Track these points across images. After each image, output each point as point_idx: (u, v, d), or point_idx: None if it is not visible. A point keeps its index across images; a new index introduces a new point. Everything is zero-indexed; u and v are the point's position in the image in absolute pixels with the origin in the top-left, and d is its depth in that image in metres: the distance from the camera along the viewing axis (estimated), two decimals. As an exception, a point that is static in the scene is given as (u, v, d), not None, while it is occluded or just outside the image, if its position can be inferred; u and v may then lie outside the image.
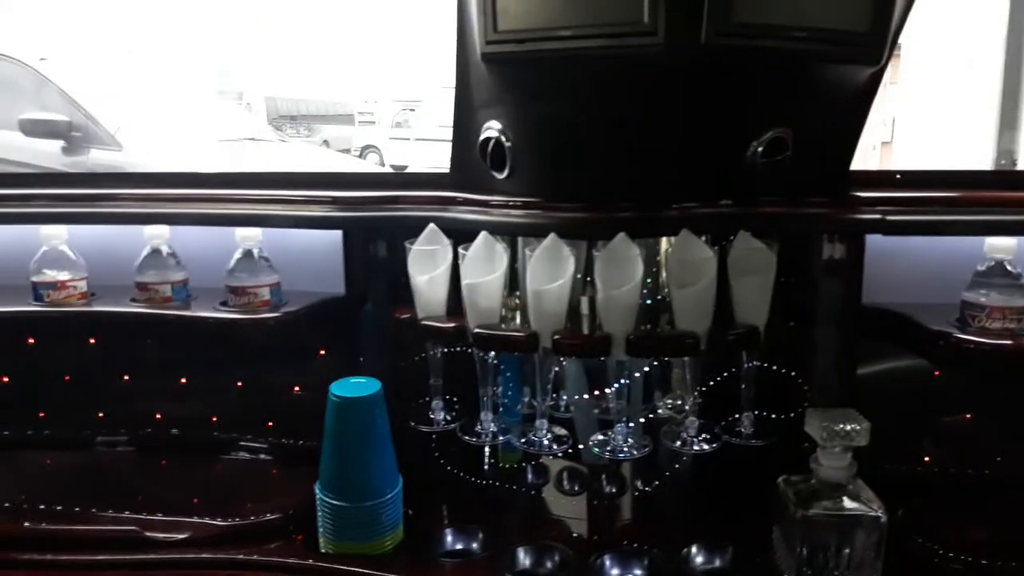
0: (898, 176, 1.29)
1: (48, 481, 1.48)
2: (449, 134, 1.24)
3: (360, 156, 11.55)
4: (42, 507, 1.34)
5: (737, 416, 1.24)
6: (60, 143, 4.67)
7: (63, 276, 1.35)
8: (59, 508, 1.33)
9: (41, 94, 4.86)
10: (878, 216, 1.18)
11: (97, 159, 4.67)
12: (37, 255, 1.36)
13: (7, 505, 1.35)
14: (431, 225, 1.22)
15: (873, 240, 1.22)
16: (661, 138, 1.10)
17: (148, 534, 1.24)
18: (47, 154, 4.63)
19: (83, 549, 1.24)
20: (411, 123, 10.87)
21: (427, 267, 1.21)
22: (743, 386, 1.22)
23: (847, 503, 1.10)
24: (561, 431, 1.26)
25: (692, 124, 1.10)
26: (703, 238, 1.14)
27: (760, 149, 1.11)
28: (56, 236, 1.35)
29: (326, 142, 11.37)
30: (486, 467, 1.40)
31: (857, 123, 1.17)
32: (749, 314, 1.17)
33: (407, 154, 9.49)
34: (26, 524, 1.30)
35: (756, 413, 1.23)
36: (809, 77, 1.09)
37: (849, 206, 1.20)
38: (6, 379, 1.54)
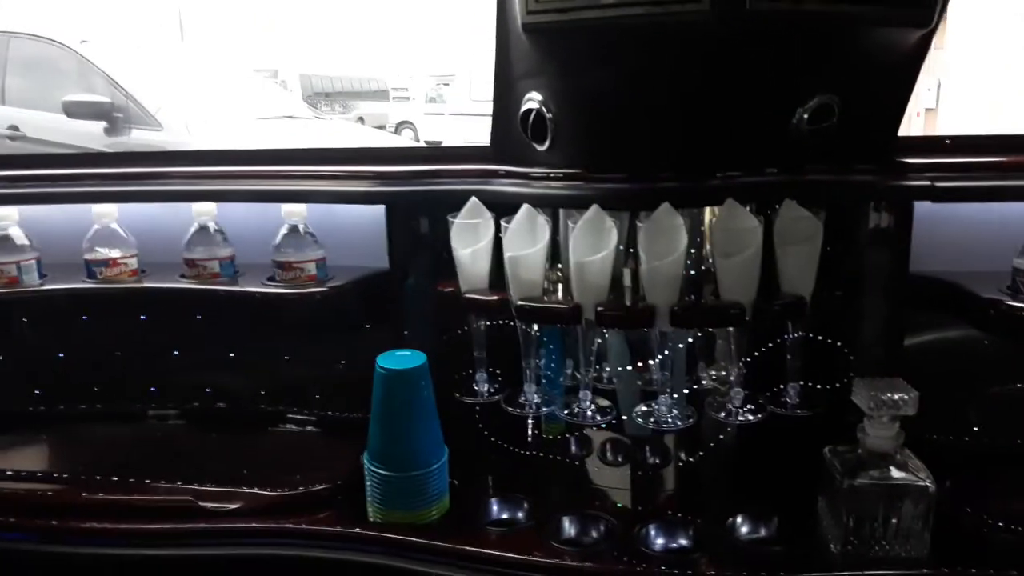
0: (947, 142, 1.26)
1: (103, 453, 1.53)
2: (484, 108, 1.23)
3: (395, 132, 11.57)
4: (98, 478, 1.39)
5: (782, 386, 1.23)
6: (102, 124, 4.74)
7: (114, 254, 1.38)
8: (114, 479, 1.37)
9: (83, 76, 4.93)
10: (927, 183, 1.16)
11: (138, 139, 4.73)
12: (89, 233, 1.39)
13: (65, 475, 1.40)
14: (473, 198, 1.22)
15: (921, 207, 1.20)
16: (705, 106, 1.09)
17: (202, 504, 1.28)
18: (89, 135, 4.70)
19: (139, 518, 1.27)
20: (445, 98, 10.85)
21: (469, 240, 1.22)
22: (788, 356, 1.21)
23: (894, 473, 1.09)
24: (604, 402, 1.26)
25: (736, 92, 1.08)
26: (748, 207, 1.13)
27: (806, 116, 1.09)
28: (107, 215, 1.38)
29: (361, 119, 11.37)
30: (529, 438, 1.41)
31: (906, 88, 1.15)
32: (795, 284, 1.16)
33: (442, 129, 9.49)
34: (84, 494, 1.34)
35: (801, 383, 1.23)
36: (857, 41, 1.07)
37: (897, 173, 1.18)
38: (61, 354, 1.58)
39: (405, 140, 10.60)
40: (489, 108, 1.23)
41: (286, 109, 5.67)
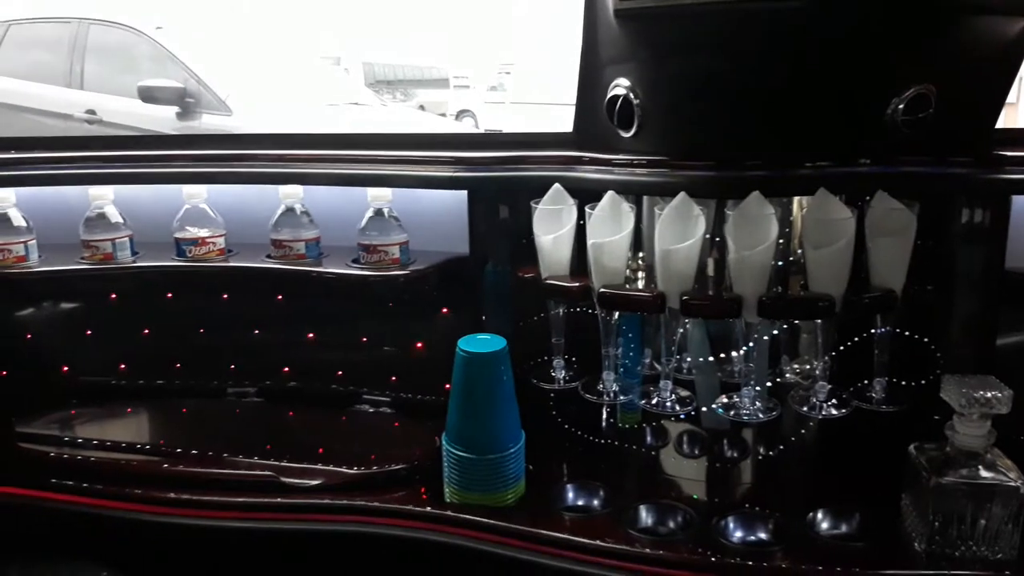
0: None
1: (184, 428, 1.58)
2: (545, 97, 1.23)
3: (455, 120, 11.61)
4: (179, 450, 1.44)
5: (867, 382, 1.21)
6: (175, 109, 4.86)
7: (203, 233, 1.42)
8: (194, 452, 1.42)
9: (157, 62, 5.06)
10: None
11: (208, 124, 4.84)
12: (180, 213, 1.43)
13: (147, 447, 1.45)
14: (556, 184, 1.22)
15: (1019, 201, 1.16)
16: (797, 94, 1.07)
17: (283, 479, 1.31)
18: (162, 120, 4.82)
19: (222, 491, 1.31)
20: (506, 86, 10.84)
21: (552, 226, 1.22)
22: (876, 351, 1.18)
23: (983, 472, 1.07)
24: (684, 392, 1.26)
25: (829, 80, 1.06)
26: (839, 198, 1.11)
27: (901, 107, 1.06)
28: (197, 195, 1.42)
29: (422, 106, 11.44)
30: (605, 427, 1.41)
31: (1006, 79, 1.11)
32: (886, 277, 1.13)
33: (502, 118, 9.49)
34: (164, 465, 1.39)
35: (888, 379, 1.20)
36: (957, 30, 1.04)
37: (994, 165, 1.14)
38: (147, 331, 1.63)
39: (467, 128, 10.63)
40: (550, 98, 1.23)
41: (351, 96, 5.74)
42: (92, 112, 5.00)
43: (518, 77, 10.18)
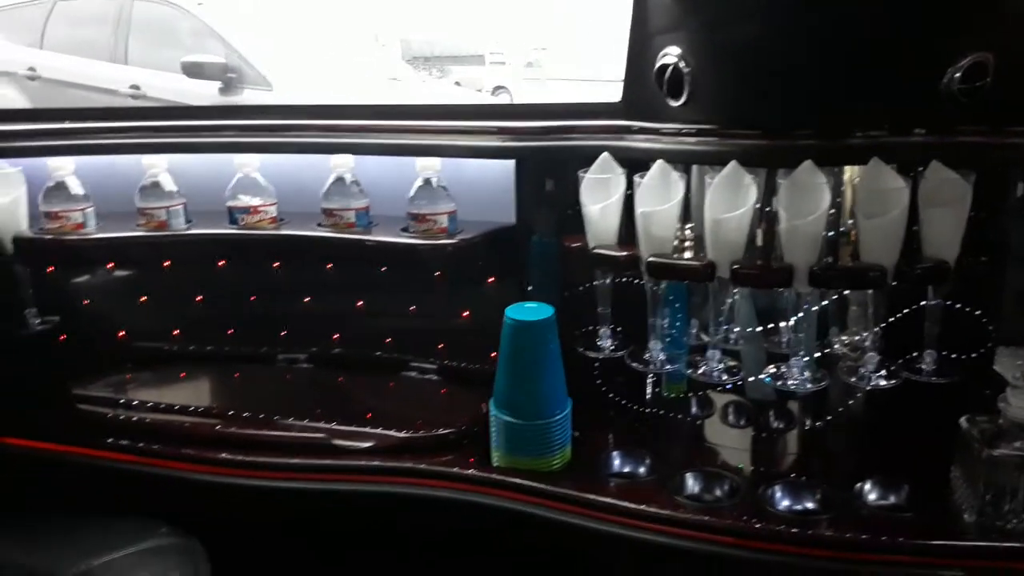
0: None
1: (237, 392, 1.63)
2: (582, 73, 1.23)
3: (492, 96, 11.56)
4: (231, 413, 1.47)
5: (917, 354, 1.20)
6: (217, 84, 4.92)
7: (255, 202, 1.44)
8: (246, 415, 1.45)
9: (199, 37, 5.12)
10: None
11: (250, 99, 4.89)
12: (232, 182, 1.46)
13: (201, 410, 1.49)
14: (605, 154, 1.22)
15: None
16: (850, 62, 1.06)
17: (335, 442, 1.34)
18: (205, 95, 4.88)
19: (276, 452, 1.35)
20: (542, 63, 10.79)
21: (600, 196, 1.22)
22: (927, 323, 1.17)
23: (1037, 445, 1.06)
24: (731, 362, 1.26)
25: (884, 47, 1.05)
26: (892, 167, 1.10)
27: (958, 75, 1.05)
28: (248, 164, 1.45)
29: (457, 83, 11.43)
30: (650, 396, 1.42)
31: (1066, 46, 1.09)
32: (939, 248, 1.12)
33: (538, 94, 9.44)
34: (218, 427, 1.43)
35: (939, 351, 1.19)
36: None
37: (1053, 135, 1.12)
38: (200, 298, 1.67)
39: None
40: (585, 74, 1.23)
41: (390, 72, 5.76)
42: (136, 87, 5.07)
43: (553, 53, 10.13)
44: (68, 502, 1.34)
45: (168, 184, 1.48)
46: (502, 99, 11.43)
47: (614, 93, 1.27)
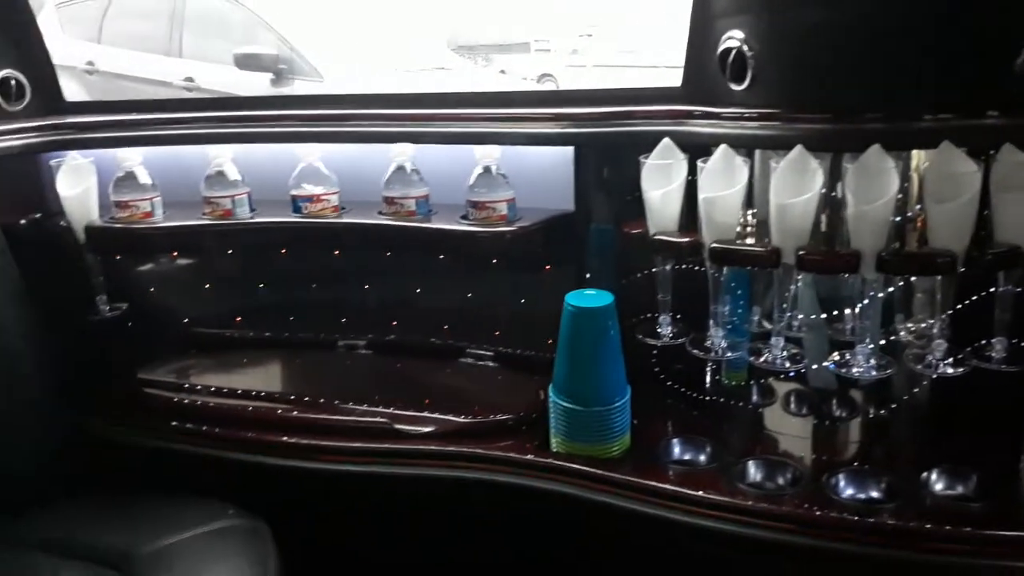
0: None
1: (299, 377, 1.66)
2: (628, 60, 1.22)
3: (537, 84, 11.52)
4: (292, 397, 1.50)
5: (987, 341, 1.18)
6: (269, 76, 4.98)
7: (318, 190, 1.47)
8: (307, 400, 1.48)
9: (250, 30, 5.19)
10: None
11: (301, 90, 4.94)
12: (295, 171, 1.48)
13: (263, 394, 1.52)
14: (666, 139, 1.22)
15: None
16: (919, 43, 1.04)
17: (397, 426, 1.36)
18: (257, 87, 4.95)
19: (338, 436, 1.38)
20: (587, 50, 10.70)
21: (661, 182, 1.22)
22: (997, 309, 1.15)
23: (1113, 434, 1.03)
24: (795, 349, 1.25)
25: (954, 28, 1.03)
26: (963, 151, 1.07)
27: (1032, 55, 1.02)
28: (311, 153, 1.47)
29: (503, 71, 11.41)
30: (710, 384, 1.42)
31: None
32: (1011, 233, 1.09)
33: (583, 81, 9.37)
34: (279, 412, 1.46)
35: (1009, 339, 1.17)
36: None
37: None
38: (262, 285, 1.70)
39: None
40: (633, 60, 1.22)
41: (438, 61, 5.77)
42: (190, 79, 5.16)
43: (598, 40, 10.05)
44: (137, 484, 1.39)
45: (233, 173, 1.51)
46: (547, 87, 11.39)
47: (659, 78, 1.26)
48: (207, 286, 1.72)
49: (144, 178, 1.51)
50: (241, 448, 1.41)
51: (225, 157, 1.50)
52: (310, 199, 1.46)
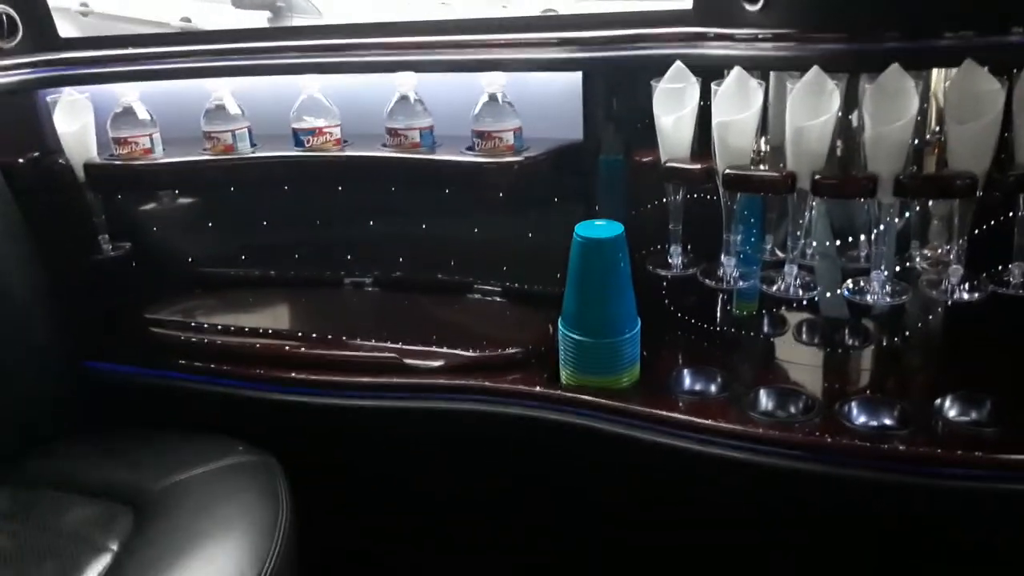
0: None
1: (306, 314, 1.65)
2: None
3: (539, 20, 11.29)
4: (300, 334, 1.50)
5: (1004, 267, 1.16)
6: (267, 14, 4.87)
7: (320, 123, 1.43)
8: (315, 336, 1.47)
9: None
10: None
11: (299, 28, 4.84)
12: (296, 104, 1.44)
13: (271, 331, 1.51)
14: (678, 62, 1.18)
15: None
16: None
17: (407, 361, 1.36)
18: (254, 25, 4.85)
19: (347, 371, 1.37)
20: (592, -16, 10.46)
21: (673, 106, 1.18)
22: (1017, 234, 1.12)
23: None
24: (808, 277, 1.23)
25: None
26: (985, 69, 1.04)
27: (1058, -33, 0.98)
28: (311, 85, 1.43)
29: (504, 6, 11.22)
30: (721, 314, 1.40)
31: None
32: (1034, 155, 1.06)
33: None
34: (287, 348, 1.45)
35: (1028, 264, 1.15)
36: None
37: None
38: (265, 222, 1.68)
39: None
40: None
41: (439, -3, 5.63)
42: (187, 20, 5.06)
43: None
44: (146, 422, 1.39)
45: (233, 107, 1.47)
46: (551, 22, 11.15)
47: (669, 5, 1.22)
48: (210, 224, 1.69)
49: (142, 114, 1.47)
50: (249, 384, 1.41)
51: (224, 91, 1.47)
52: (312, 132, 1.43)
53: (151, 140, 1.48)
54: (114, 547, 1.10)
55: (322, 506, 1.29)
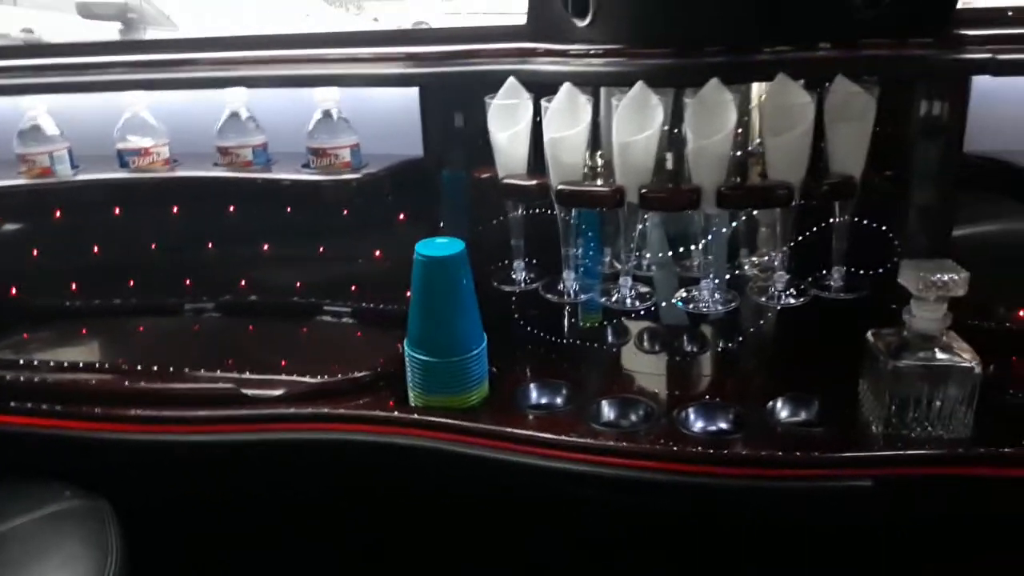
0: (1009, 13, 1.20)
1: (142, 345, 1.55)
2: (504, 6, 1.18)
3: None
4: (137, 368, 1.41)
5: (826, 271, 1.21)
6: (118, 25, 4.64)
7: (146, 143, 1.36)
8: (153, 369, 1.39)
9: (94, -24, 4.82)
10: (987, 55, 1.10)
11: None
12: (120, 123, 1.37)
13: (106, 365, 1.42)
14: (511, 78, 1.18)
15: (979, 83, 1.15)
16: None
17: (244, 391, 1.30)
18: (105, 38, 4.62)
19: (184, 405, 1.30)
20: (463, -4, 10.51)
21: (508, 123, 1.18)
22: (834, 239, 1.18)
23: (939, 354, 1.08)
24: (644, 289, 1.25)
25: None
26: (799, 83, 1.08)
27: (860, -12, 1.03)
28: (137, 103, 1.36)
29: (375, 19, 11.09)
30: (566, 327, 1.41)
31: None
32: (845, 163, 1.12)
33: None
34: (126, 383, 1.37)
35: (846, 268, 1.20)
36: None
37: (955, 46, 1.12)
38: (96, 249, 1.58)
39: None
40: (503, 6, 1.18)
41: (304, 9, 5.54)
42: (29, 31, 4.76)
43: (476, -13, 9.88)
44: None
45: (50, 127, 1.38)
46: (423, 36, 11.14)
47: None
48: (36, 252, 1.58)
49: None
50: (79, 424, 1.31)
51: (39, 109, 1.37)
52: (138, 152, 1.35)
53: (-42, 164, 1.37)
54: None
55: (161, 549, 1.22)
